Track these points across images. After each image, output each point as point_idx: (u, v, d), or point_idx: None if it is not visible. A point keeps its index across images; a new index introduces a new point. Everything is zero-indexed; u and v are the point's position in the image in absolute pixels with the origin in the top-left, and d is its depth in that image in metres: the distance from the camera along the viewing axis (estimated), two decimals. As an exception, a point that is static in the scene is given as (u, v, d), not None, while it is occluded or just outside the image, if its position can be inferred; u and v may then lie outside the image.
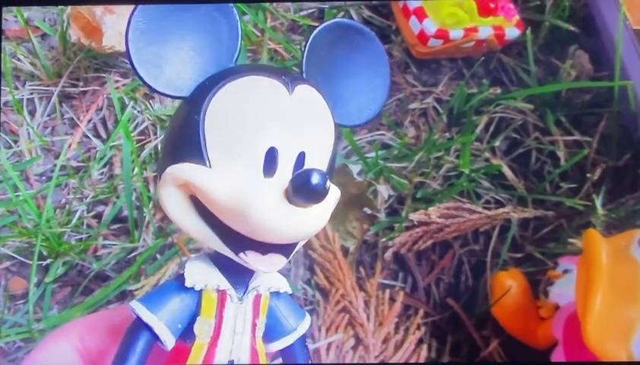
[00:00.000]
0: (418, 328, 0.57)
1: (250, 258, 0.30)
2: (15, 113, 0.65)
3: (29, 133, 0.64)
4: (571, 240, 0.60)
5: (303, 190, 0.28)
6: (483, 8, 0.69)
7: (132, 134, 0.63)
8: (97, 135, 0.65)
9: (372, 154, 0.63)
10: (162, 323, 0.30)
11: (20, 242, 0.59)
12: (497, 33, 0.68)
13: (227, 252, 0.31)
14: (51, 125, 0.66)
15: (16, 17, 0.69)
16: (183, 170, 0.29)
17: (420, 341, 0.57)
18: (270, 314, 0.34)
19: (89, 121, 0.66)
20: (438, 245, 0.61)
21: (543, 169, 0.65)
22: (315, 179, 0.27)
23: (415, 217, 0.60)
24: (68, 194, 0.62)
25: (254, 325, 0.32)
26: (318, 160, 0.31)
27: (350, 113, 0.35)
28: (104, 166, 0.63)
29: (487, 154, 0.65)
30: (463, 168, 0.62)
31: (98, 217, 0.61)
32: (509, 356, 0.57)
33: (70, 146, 0.64)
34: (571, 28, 0.71)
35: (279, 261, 0.31)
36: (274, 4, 0.71)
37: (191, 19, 0.31)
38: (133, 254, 0.59)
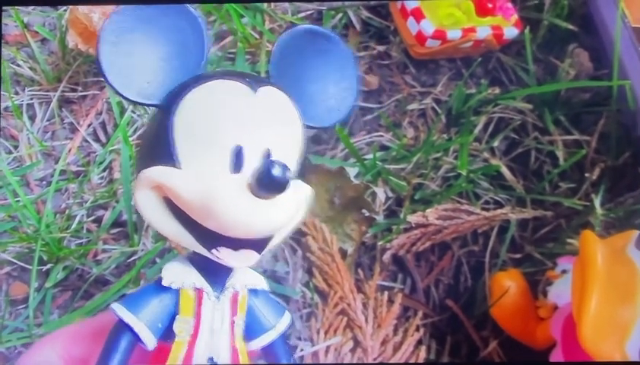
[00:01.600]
0: (417, 329, 0.57)
1: (222, 254, 0.31)
2: (15, 118, 0.65)
3: (29, 138, 0.65)
4: (570, 240, 0.60)
5: (264, 180, 0.29)
6: (480, 8, 0.69)
7: (131, 138, 0.63)
8: (97, 140, 0.65)
9: (370, 156, 0.63)
10: (142, 323, 0.32)
11: (20, 248, 0.59)
12: (495, 32, 0.68)
13: (201, 250, 0.32)
14: (51, 129, 0.66)
15: (15, 21, 0.69)
16: (155, 172, 0.31)
17: (419, 343, 0.57)
18: (249, 312, 0.35)
19: (88, 125, 0.66)
20: (437, 246, 0.61)
21: (542, 169, 0.65)
22: (276, 170, 0.29)
23: (413, 219, 0.60)
24: (68, 198, 0.62)
25: (232, 323, 0.33)
26: (285, 157, 0.31)
27: (319, 115, 0.36)
28: (104, 170, 0.64)
29: (486, 154, 0.65)
30: (461, 169, 0.62)
31: (98, 221, 0.62)
32: (508, 356, 0.57)
33: (70, 150, 0.64)
34: (570, 27, 0.71)
35: (251, 256, 0.32)
36: (272, 6, 0.71)
37: (157, 30, 0.32)
38: (133, 258, 0.59)
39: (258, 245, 0.32)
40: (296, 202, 0.32)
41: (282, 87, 0.34)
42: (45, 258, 0.59)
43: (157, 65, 0.32)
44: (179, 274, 0.33)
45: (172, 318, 0.32)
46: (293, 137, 0.33)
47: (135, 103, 0.34)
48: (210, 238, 0.31)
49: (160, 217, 0.32)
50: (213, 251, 0.31)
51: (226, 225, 0.30)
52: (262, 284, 0.35)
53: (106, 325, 0.33)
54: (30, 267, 0.58)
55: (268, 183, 0.29)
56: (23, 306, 0.58)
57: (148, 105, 0.33)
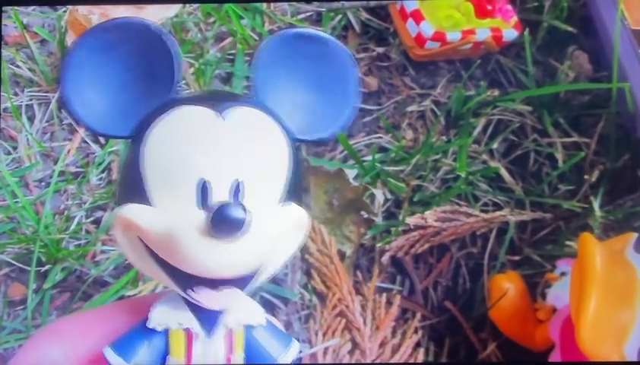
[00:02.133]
0: (415, 331, 0.57)
1: (200, 296, 0.29)
2: (14, 119, 0.65)
3: (28, 139, 0.65)
4: (568, 242, 0.60)
5: (218, 223, 0.27)
6: (480, 10, 0.69)
7: (130, 140, 0.63)
8: (96, 141, 0.65)
9: (369, 158, 0.63)
10: None
11: (19, 249, 0.59)
12: (495, 34, 0.68)
13: (178, 291, 0.30)
14: (50, 130, 0.66)
15: (15, 22, 0.69)
16: (126, 211, 0.29)
17: (418, 345, 0.57)
18: (249, 347, 0.32)
19: (87, 126, 0.66)
20: (436, 248, 0.61)
21: (541, 171, 0.65)
22: (232, 212, 0.27)
23: (412, 220, 0.60)
24: (67, 200, 0.62)
25: (228, 361, 0.31)
26: (261, 187, 0.29)
27: (315, 126, 0.33)
28: (102, 171, 0.64)
29: (485, 156, 0.65)
30: (460, 171, 0.62)
31: (96, 222, 0.62)
32: (507, 359, 0.57)
33: (69, 152, 0.64)
34: (570, 29, 0.71)
35: (233, 294, 0.30)
36: (272, 8, 0.71)
37: (119, 57, 0.30)
38: (131, 259, 0.59)
39: (239, 281, 0.30)
40: (269, 237, 0.29)
41: (267, 101, 0.32)
42: (43, 259, 0.59)
43: (124, 95, 0.31)
44: (164, 315, 0.31)
45: (163, 357, 0.31)
46: (273, 161, 0.30)
47: (107, 137, 0.32)
48: (184, 279, 0.29)
49: (137, 257, 0.30)
50: (189, 292, 0.29)
51: (191, 266, 0.28)
52: (259, 318, 0.32)
53: (119, 323, 0.32)
54: (29, 268, 0.58)
55: (222, 226, 0.27)
56: (22, 307, 0.58)
57: (119, 137, 0.31)
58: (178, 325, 0.31)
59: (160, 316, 0.31)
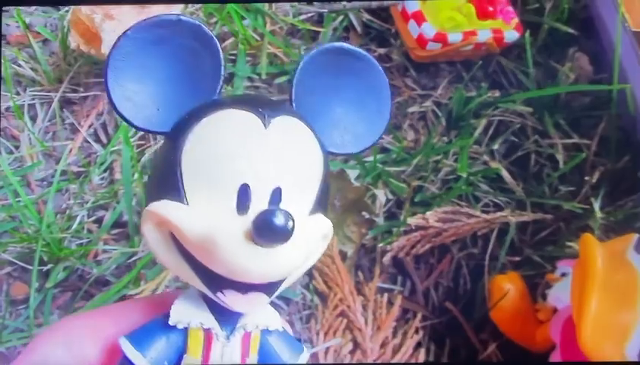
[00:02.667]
0: (416, 331, 0.58)
1: (228, 299, 0.29)
2: (16, 119, 0.65)
3: (30, 138, 0.65)
4: (569, 243, 0.60)
5: (264, 231, 0.27)
6: (481, 12, 0.69)
7: (132, 140, 0.63)
8: (98, 140, 0.66)
9: (371, 158, 0.63)
10: (146, 362, 0.30)
11: (21, 248, 0.59)
12: (496, 36, 0.68)
13: (207, 291, 0.30)
14: (52, 130, 0.66)
15: (17, 21, 0.69)
16: (161, 207, 0.29)
17: (418, 345, 0.57)
18: (262, 351, 0.32)
19: (89, 126, 0.66)
20: (437, 249, 0.61)
21: (542, 172, 0.65)
22: (278, 220, 0.27)
23: (413, 221, 0.60)
24: (69, 199, 0.62)
25: (242, 364, 0.31)
26: (298, 196, 0.30)
27: (346, 141, 0.34)
28: (104, 171, 0.64)
29: (486, 157, 0.65)
30: (461, 172, 0.62)
31: (98, 222, 0.62)
32: (507, 359, 0.57)
33: (71, 151, 0.64)
34: (571, 30, 0.71)
35: (260, 299, 0.30)
36: (273, 8, 0.71)
37: (169, 52, 0.30)
38: (133, 259, 0.59)
39: (268, 287, 0.30)
40: (305, 247, 0.30)
41: (303, 113, 0.31)
42: (45, 258, 0.59)
43: (168, 90, 0.30)
44: (186, 313, 0.31)
45: (179, 356, 0.31)
46: (309, 172, 0.30)
47: (144, 131, 0.31)
48: (216, 280, 0.29)
49: (167, 254, 0.30)
50: (219, 294, 0.29)
51: (227, 270, 0.28)
52: (277, 323, 0.33)
53: (127, 324, 0.31)
54: (31, 267, 0.58)
55: (268, 233, 0.27)
56: (24, 306, 0.58)
57: (157, 133, 0.31)
58: (199, 324, 0.31)
59: (182, 314, 0.31)
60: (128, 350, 0.30)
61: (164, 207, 0.29)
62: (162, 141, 0.33)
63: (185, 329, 0.31)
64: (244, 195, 0.28)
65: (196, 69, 0.31)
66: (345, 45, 0.33)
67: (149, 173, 0.32)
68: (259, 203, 0.29)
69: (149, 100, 0.30)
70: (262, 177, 0.29)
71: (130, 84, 0.30)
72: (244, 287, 0.29)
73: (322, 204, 0.31)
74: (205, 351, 0.31)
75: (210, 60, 0.31)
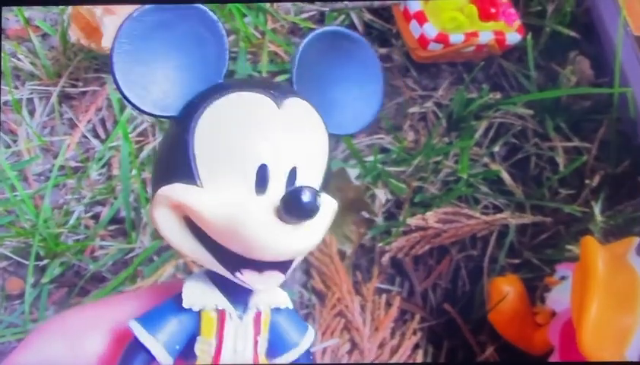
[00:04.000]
0: (414, 333, 0.57)
1: (246, 277, 0.30)
2: (14, 113, 0.65)
3: (28, 133, 0.64)
4: (568, 247, 0.60)
5: (294, 208, 0.28)
6: (483, 13, 0.69)
7: (131, 135, 0.63)
8: (96, 136, 0.65)
9: (371, 158, 0.63)
10: (159, 344, 0.30)
11: (17, 243, 0.59)
12: (498, 37, 0.68)
13: (223, 272, 0.30)
14: (50, 125, 0.66)
15: (17, 15, 0.69)
16: (174, 191, 0.29)
17: (416, 346, 0.57)
18: (272, 329, 0.33)
19: (88, 121, 0.66)
20: (436, 250, 0.61)
21: (542, 175, 0.65)
22: (306, 197, 0.27)
23: (412, 221, 0.60)
24: (66, 194, 0.62)
25: (255, 342, 0.32)
26: (311, 175, 0.30)
27: (344, 122, 0.35)
28: (102, 166, 0.63)
29: (486, 159, 0.65)
30: (461, 173, 0.62)
31: (96, 217, 0.61)
32: (505, 362, 0.57)
33: (69, 146, 0.64)
34: (572, 34, 0.71)
35: (276, 278, 0.30)
36: (275, 6, 0.71)
37: (175, 37, 0.30)
38: (130, 255, 0.59)
39: (283, 266, 0.30)
40: (324, 222, 0.31)
41: (306, 95, 0.32)
42: (42, 253, 0.58)
43: (175, 75, 0.31)
44: (200, 296, 0.31)
45: (191, 339, 0.31)
46: (319, 151, 0.31)
47: (151, 115, 0.31)
48: (234, 260, 0.29)
49: (180, 238, 0.30)
50: (237, 274, 0.30)
51: (252, 249, 0.29)
52: (287, 302, 0.33)
53: (127, 317, 0.31)
54: (27, 262, 0.57)
55: (298, 210, 0.28)
56: (19, 301, 0.57)
57: (165, 117, 0.31)
58: (214, 306, 0.31)
59: (195, 296, 0.31)
60: (140, 332, 0.30)
61: (179, 191, 0.29)
62: (167, 130, 0.33)
63: (198, 312, 0.31)
64: (263, 176, 0.29)
65: (202, 53, 0.31)
66: (340, 28, 0.34)
67: (156, 159, 0.33)
68: (277, 183, 0.29)
69: (155, 84, 0.30)
70: (280, 157, 0.29)
71: (136, 68, 0.30)
72: (261, 266, 0.30)
73: (325, 185, 0.32)
74: (219, 332, 0.31)
75: (215, 44, 0.31)
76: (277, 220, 0.28)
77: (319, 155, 0.31)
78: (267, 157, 0.29)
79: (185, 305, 0.31)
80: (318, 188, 0.31)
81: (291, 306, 0.34)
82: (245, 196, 0.29)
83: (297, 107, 0.31)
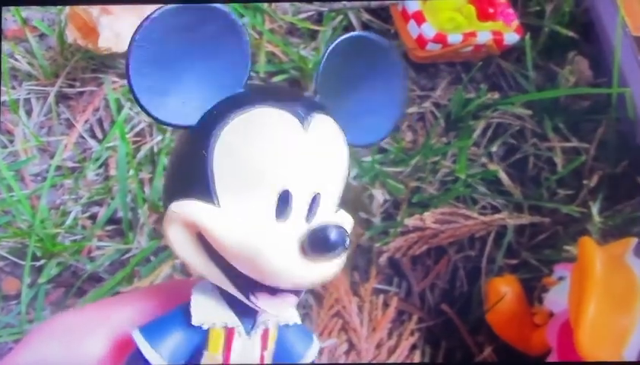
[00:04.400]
0: (412, 333, 0.57)
1: (260, 301, 0.28)
2: (11, 113, 0.65)
3: (25, 133, 0.64)
4: (566, 247, 0.60)
5: (321, 247, 0.27)
6: (482, 13, 0.69)
7: (128, 136, 0.63)
8: (93, 136, 0.65)
9: (369, 158, 0.63)
10: (162, 360, 0.29)
11: (13, 243, 0.59)
12: (496, 38, 0.68)
13: (237, 294, 0.29)
14: (47, 125, 0.65)
15: (14, 16, 0.69)
16: (190, 208, 0.28)
17: (414, 347, 0.57)
18: (278, 343, 0.32)
19: (85, 121, 0.65)
20: (433, 250, 0.61)
21: (540, 176, 0.65)
22: (335, 236, 0.26)
23: (410, 222, 0.60)
24: (63, 194, 0.62)
25: (262, 358, 0.31)
26: (332, 200, 0.29)
27: (363, 132, 0.33)
28: (100, 167, 0.63)
29: (484, 159, 0.65)
30: (459, 173, 0.62)
31: (93, 218, 0.61)
32: (503, 362, 0.57)
33: (66, 146, 0.64)
34: (571, 34, 0.71)
35: (290, 300, 0.29)
36: (272, 7, 0.71)
37: (197, 40, 0.28)
38: (127, 255, 0.59)
39: (298, 291, 0.30)
40: (346, 251, 0.29)
41: (328, 104, 0.30)
42: (38, 253, 0.58)
43: (195, 82, 0.28)
44: (209, 313, 0.30)
45: (195, 354, 0.30)
46: (342, 175, 0.30)
47: (167, 125, 0.29)
48: (248, 284, 0.28)
49: (193, 255, 0.29)
50: (251, 297, 0.28)
51: (269, 277, 0.27)
52: (295, 318, 0.32)
53: (129, 320, 0.31)
54: (23, 262, 0.57)
55: (325, 249, 0.26)
56: (16, 301, 0.57)
57: (181, 127, 0.29)
58: (223, 324, 0.30)
59: (205, 314, 0.30)
60: (143, 346, 0.29)
61: (194, 208, 0.28)
62: (180, 136, 0.31)
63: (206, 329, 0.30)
64: (285, 201, 0.28)
65: (223, 59, 0.29)
66: (367, 34, 0.32)
67: (169, 169, 0.31)
68: (299, 209, 0.28)
69: (172, 91, 0.28)
70: (304, 184, 0.28)
71: (154, 74, 0.28)
72: (274, 289, 0.28)
73: (343, 199, 0.31)
74: (226, 347, 0.30)
75: (237, 50, 0.29)
76: (299, 252, 0.27)
77: (342, 179, 0.30)
78: (291, 182, 0.27)
79: (194, 323, 0.30)
80: (336, 206, 0.30)
81: (299, 322, 0.32)
82: (265, 222, 0.27)
83: (322, 128, 0.29)
